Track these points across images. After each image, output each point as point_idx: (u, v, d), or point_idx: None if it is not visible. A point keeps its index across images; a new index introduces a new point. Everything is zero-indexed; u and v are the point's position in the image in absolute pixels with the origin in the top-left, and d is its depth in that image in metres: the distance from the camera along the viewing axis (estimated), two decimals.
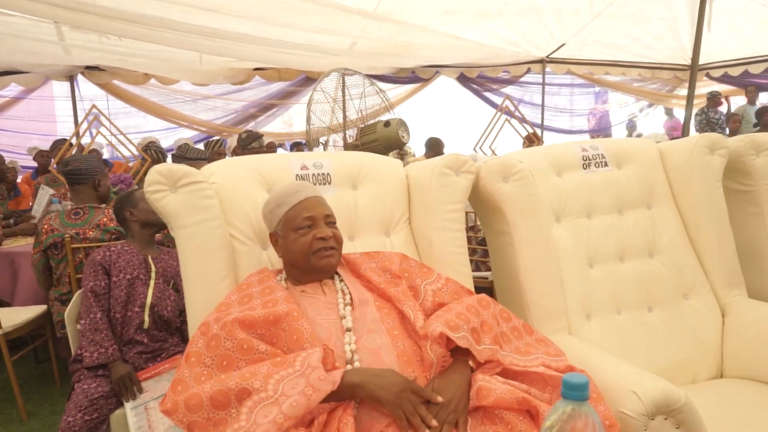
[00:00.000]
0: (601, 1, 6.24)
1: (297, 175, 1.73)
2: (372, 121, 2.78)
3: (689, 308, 1.89)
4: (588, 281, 1.82)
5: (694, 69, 3.71)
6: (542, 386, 1.27)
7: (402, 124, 2.53)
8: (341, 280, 1.45)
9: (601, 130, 9.44)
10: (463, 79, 7.61)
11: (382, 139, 2.53)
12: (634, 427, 1.28)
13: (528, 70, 7.65)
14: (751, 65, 7.60)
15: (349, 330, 1.31)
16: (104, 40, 5.38)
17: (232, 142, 5.49)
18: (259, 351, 1.19)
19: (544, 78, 7.64)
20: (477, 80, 7.67)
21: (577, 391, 0.62)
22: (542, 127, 7.83)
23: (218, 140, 4.95)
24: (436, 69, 7.45)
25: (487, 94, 7.72)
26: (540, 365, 1.29)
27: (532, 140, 4.75)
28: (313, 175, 1.75)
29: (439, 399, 1.18)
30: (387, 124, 2.56)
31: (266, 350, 1.20)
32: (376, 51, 6.33)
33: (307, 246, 1.40)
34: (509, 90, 7.94)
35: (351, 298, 1.39)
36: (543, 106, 7.77)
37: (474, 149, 5.03)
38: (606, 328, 1.79)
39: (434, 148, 5.50)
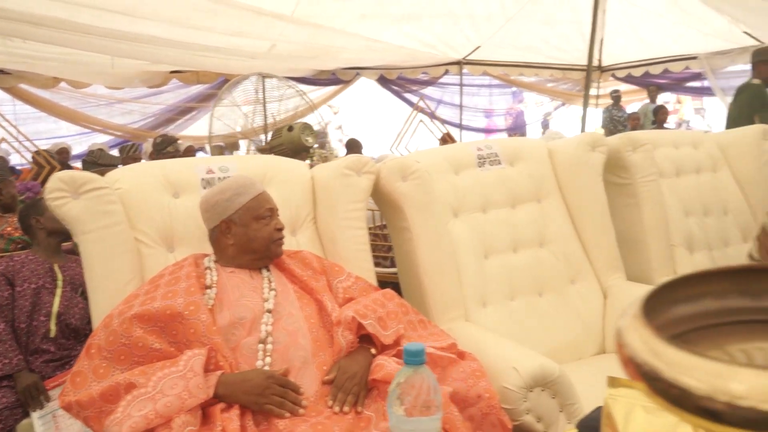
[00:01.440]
0: (513, 6, 6.54)
1: (203, 180, 1.78)
2: (279, 126, 2.86)
3: (575, 292, 2.07)
4: (484, 271, 1.97)
5: (589, 70, 3.99)
6: (432, 366, 1.40)
7: (306, 128, 2.62)
8: (268, 270, 1.55)
9: (518, 128, 9.84)
10: (383, 81, 7.78)
11: (287, 143, 2.62)
12: (515, 399, 1.43)
13: (446, 72, 7.89)
14: (650, 66, 8.13)
15: (269, 311, 1.42)
16: (8, 43, 5.17)
17: (148, 146, 5.41)
18: (153, 349, 1.27)
19: (461, 79, 7.91)
20: (397, 82, 7.85)
21: (415, 357, 0.73)
22: (461, 126, 8.10)
23: (133, 145, 4.87)
24: (357, 71, 7.57)
25: (407, 95, 7.91)
26: (429, 347, 1.42)
27: (446, 140, 4.94)
28: (219, 179, 1.81)
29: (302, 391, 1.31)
30: (290, 128, 2.64)
31: (161, 348, 1.27)
32: (295, 54, 6.38)
33: (270, 234, 1.53)
34: (428, 91, 8.17)
35: (275, 285, 1.50)
36: (461, 106, 8.03)
37: (390, 150, 5.18)
38: (500, 314, 1.94)
39: (353, 149, 5.62)
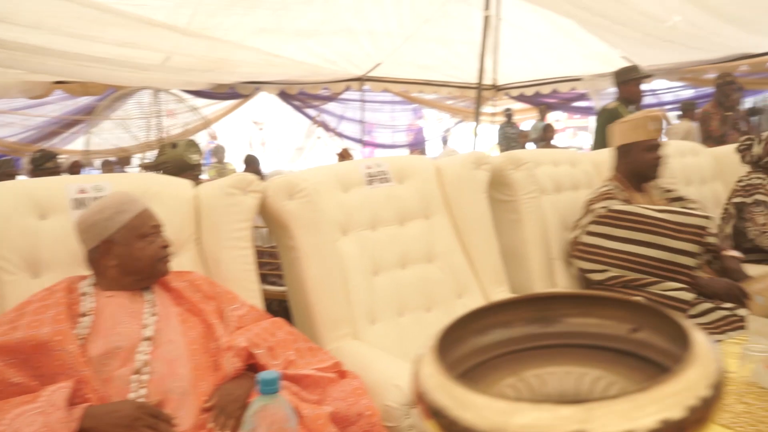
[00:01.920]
0: (410, 25, 6.72)
1: (74, 200, 1.68)
2: (164, 143, 2.77)
3: (462, 306, 2.13)
4: (373, 288, 1.98)
5: (479, 89, 4.18)
6: (314, 388, 1.39)
7: (191, 145, 2.56)
8: (151, 292, 1.48)
9: (418, 144, 10.06)
10: (284, 96, 7.72)
11: (171, 161, 2.54)
12: (397, 416, 1.44)
13: (347, 88, 7.96)
14: (540, 86, 8.60)
15: (147, 339, 1.35)
16: None
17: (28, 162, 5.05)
18: (12, 383, 1.18)
19: (363, 96, 8.00)
20: (298, 97, 7.82)
21: (269, 386, 0.72)
22: (362, 142, 8.18)
23: (8, 160, 4.51)
24: (256, 85, 7.47)
25: (309, 111, 7.90)
26: (311, 369, 1.42)
27: (344, 156, 4.97)
28: (94, 198, 1.72)
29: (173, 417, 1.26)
30: (174, 145, 2.57)
31: (20, 382, 1.19)
32: (191, 67, 6.21)
33: (156, 253, 1.47)
34: (330, 107, 8.20)
35: (158, 309, 1.43)
36: (363, 122, 8.12)
37: (287, 166, 5.14)
38: (389, 330, 1.96)
39: (251, 165, 5.52)
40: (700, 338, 0.34)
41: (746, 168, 2.81)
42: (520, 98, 9.24)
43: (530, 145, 8.96)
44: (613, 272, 2.12)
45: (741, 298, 2.06)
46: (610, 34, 6.12)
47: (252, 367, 1.40)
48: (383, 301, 1.99)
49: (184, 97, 3.68)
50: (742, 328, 1.90)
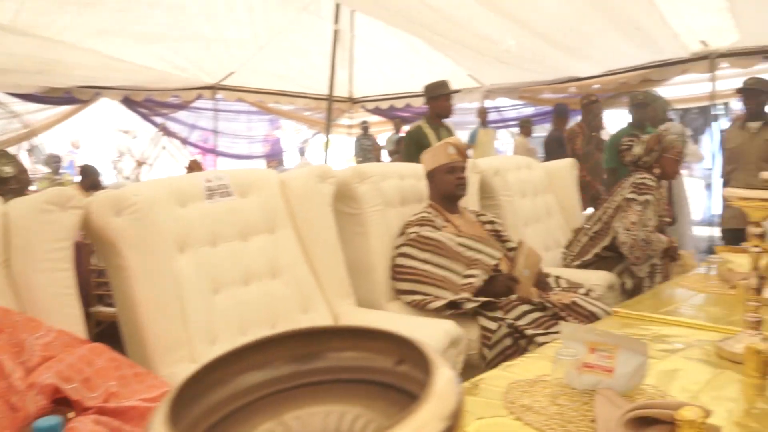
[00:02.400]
0: (264, 34, 6.62)
1: None
2: None
3: (308, 321, 2.10)
4: (213, 307, 1.90)
5: (330, 101, 4.22)
6: (139, 421, 1.28)
7: (2, 156, 2.29)
8: None
9: (276, 155, 9.94)
10: (129, 103, 7.25)
11: None
12: None
13: (199, 96, 7.66)
14: (395, 100, 8.87)
15: None
16: None
17: None
18: None
19: (216, 105, 7.74)
20: (145, 104, 7.39)
21: None
22: (216, 152, 7.91)
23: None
24: (96, 90, 6.94)
25: (156, 119, 7.49)
26: (137, 399, 1.31)
27: (193, 168, 4.77)
28: None
29: None
30: None
31: None
32: (15, 67, 5.62)
33: None
34: (181, 115, 7.85)
35: None
36: (216, 132, 7.85)
37: (122, 178, 4.83)
38: None
39: (89, 176, 5.12)
40: (442, 371, 0.35)
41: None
42: (376, 111, 9.47)
43: (386, 157, 9.20)
44: (418, 288, 2.30)
45: (512, 286, 2.29)
46: (454, 53, 6.46)
47: (66, 401, 1.26)
48: (224, 320, 1.91)
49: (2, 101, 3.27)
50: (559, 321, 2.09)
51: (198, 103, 7.88)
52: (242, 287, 2.01)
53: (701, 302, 1.82)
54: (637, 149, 2.94)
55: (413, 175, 2.76)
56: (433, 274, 2.30)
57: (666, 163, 2.90)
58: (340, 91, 9.15)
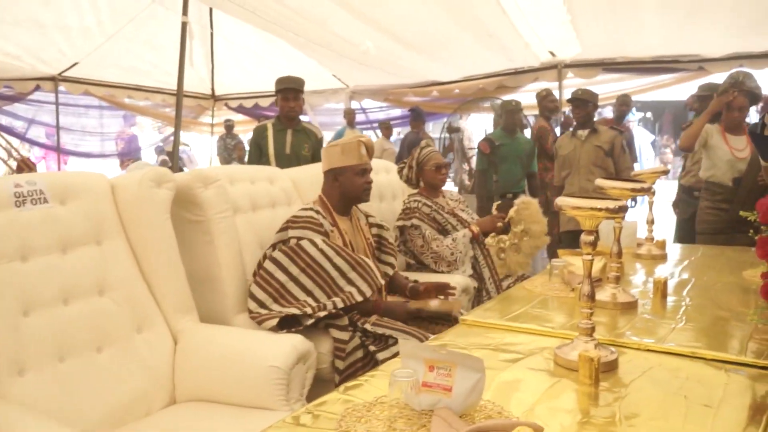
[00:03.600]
0: (111, 24, 6.11)
1: None
2: None
3: (142, 341, 1.91)
4: (21, 332, 1.64)
5: (179, 97, 3.94)
6: None
7: None
8: None
9: (131, 153, 9.28)
10: None
11: None
12: None
13: (37, 87, 6.93)
14: (259, 99, 8.61)
15: None
16: None
17: None
18: None
19: (57, 97, 7.05)
20: None
21: None
22: (58, 150, 7.21)
23: None
24: None
25: None
26: None
27: (22, 168, 4.26)
28: None
29: None
30: None
31: None
32: None
33: None
34: (17, 108, 7.06)
35: None
36: (58, 127, 7.15)
37: None
38: (45, 381, 1.64)
39: None
40: None
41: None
42: (240, 109, 9.15)
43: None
44: (270, 304, 2.16)
45: (409, 314, 2.30)
46: (316, 54, 6.36)
47: None
48: (37, 345, 1.67)
49: None
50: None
51: (37, 96, 7.13)
52: (60, 307, 1.77)
53: (544, 306, 1.85)
54: (405, 170, 3.19)
55: (266, 179, 2.63)
56: (294, 296, 2.17)
57: (427, 176, 3.11)
58: (201, 88, 8.72)
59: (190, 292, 2.08)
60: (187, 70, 7.50)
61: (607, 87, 6.15)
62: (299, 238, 2.24)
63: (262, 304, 2.16)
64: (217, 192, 2.24)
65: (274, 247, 2.29)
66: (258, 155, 3.92)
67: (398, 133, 9.97)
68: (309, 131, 4.04)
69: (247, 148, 7.39)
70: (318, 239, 2.25)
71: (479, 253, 3.01)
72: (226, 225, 2.26)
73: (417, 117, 7.10)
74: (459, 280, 2.82)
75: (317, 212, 2.36)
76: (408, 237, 2.99)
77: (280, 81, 3.93)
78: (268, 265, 2.22)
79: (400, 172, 3.24)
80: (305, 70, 7.44)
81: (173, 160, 3.89)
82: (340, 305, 2.15)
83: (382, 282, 2.34)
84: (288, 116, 3.90)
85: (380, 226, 2.64)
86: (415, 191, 3.15)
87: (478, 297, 2.93)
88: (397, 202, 3.32)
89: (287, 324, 2.08)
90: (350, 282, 2.23)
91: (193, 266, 2.17)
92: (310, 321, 2.09)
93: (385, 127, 8.00)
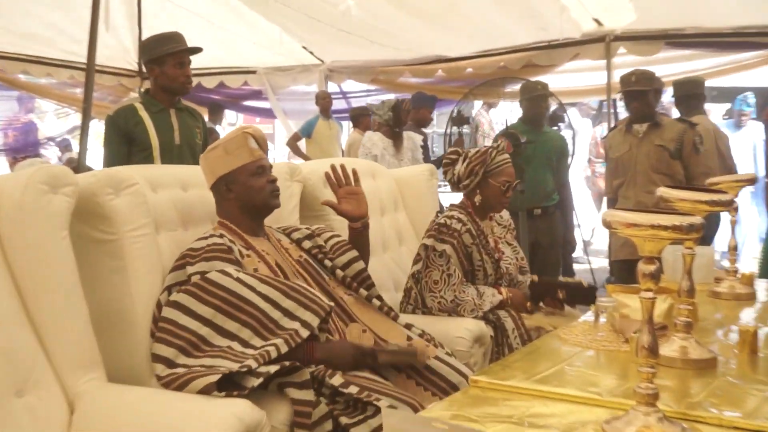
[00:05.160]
0: None
1: None
2: None
3: (23, 409, 1.85)
4: None
5: (89, 72, 3.92)
6: None
7: None
8: None
9: (28, 148, 9.27)
10: None
11: None
12: None
13: None
14: (203, 77, 8.61)
15: None
16: None
17: None
18: None
19: None
20: None
21: None
22: None
23: None
24: None
25: None
26: None
27: None
28: None
29: None
30: None
31: None
32: None
33: None
34: None
35: None
36: None
37: None
38: None
39: None
40: None
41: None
42: None
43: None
44: (181, 361, 2.10)
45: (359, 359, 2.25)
46: (280, 17, 6.36)
47: None
48: None
49: None
50: None
51: None
52: None
53: (587, 364, 1.83)
54: (459, 167, 3.03)
55: (201, 184, 2.58)
56: (211, 344, 2.12)
57: (491, 192, 2.99)
58: (124, 62, 8.70)
59: (94, 339, 2.03)
60: (103, 37, 7.52)
61: (671, 68, 6.19)
62: (203, 273, 2.21)
63: (171, 363, 2.10)
64: (133, 200, 2.22)
65: (169, 290, 2.23)
66: (125, 151, 3.63)
67: None
68: (193, 110, 3.96)
69: (98, 142, 7.03)
70: (230, 268, 2.23)
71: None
72: (145, 245, 2.24)
73: (422, 104, 6.44)
74: (470, 326, 2.78)
75: (220, 236, 2.35)
76: (426, 262, 2.92)
77: (167, 39, 3.73)
78: (168, 312, 2.16)
79: (447, 167, 3.10)
80: (266, 39, 7.49)
81: (80, 155, 3.82)
82: (285, 349, 2.09)
83: (331, 304, 2.28)
84: (185, 88, 3.73)
85: (310, 236, 2.65)
86: (459, 203, 3.06)
87: (496, 350, 2.88)
88: (390, 218, 3.31)
89: (223, 385, 2.00)
90: (287, 314, 2.18)
91: (98, 303, 2.13)
92: (257, 381, 2.01)
93: (360, 114, 7.32)
